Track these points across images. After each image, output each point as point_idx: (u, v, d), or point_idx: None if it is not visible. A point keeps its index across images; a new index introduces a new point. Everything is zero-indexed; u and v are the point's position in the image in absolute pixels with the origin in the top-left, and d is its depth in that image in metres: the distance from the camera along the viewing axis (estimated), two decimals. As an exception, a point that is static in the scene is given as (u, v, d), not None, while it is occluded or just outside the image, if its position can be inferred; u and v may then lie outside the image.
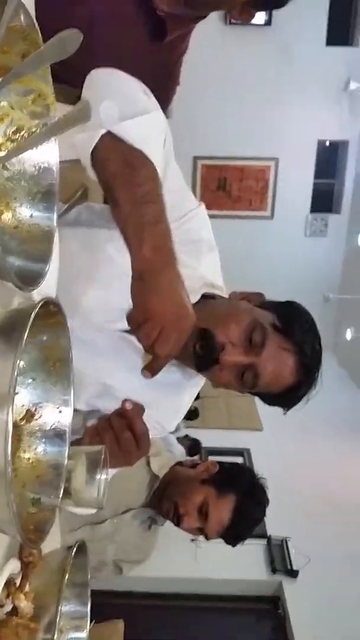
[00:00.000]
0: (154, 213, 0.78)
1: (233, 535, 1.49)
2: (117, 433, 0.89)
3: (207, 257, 1.08)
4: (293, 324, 0.98)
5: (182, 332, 0.79)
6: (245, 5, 1.20)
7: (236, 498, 1.46)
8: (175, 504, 1.45)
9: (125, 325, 1.02)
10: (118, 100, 0.82)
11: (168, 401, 1.12)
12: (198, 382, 1.16)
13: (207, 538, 1.52)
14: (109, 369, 1.04)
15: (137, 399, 0.93)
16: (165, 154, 0.89)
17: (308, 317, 1.03)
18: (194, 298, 1.01)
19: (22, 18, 0.49)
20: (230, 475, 1.54)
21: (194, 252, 1.04)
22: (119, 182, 0.79)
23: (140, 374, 1.01)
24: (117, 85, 0.88)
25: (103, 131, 0.78)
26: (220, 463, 1.58)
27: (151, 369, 0.83)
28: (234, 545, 1.55)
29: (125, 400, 0.90)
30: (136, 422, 0.89)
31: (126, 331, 1.04)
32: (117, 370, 1.04)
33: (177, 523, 1.46)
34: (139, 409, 0.90)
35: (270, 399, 1.05)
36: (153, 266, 0.76)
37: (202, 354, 0.95)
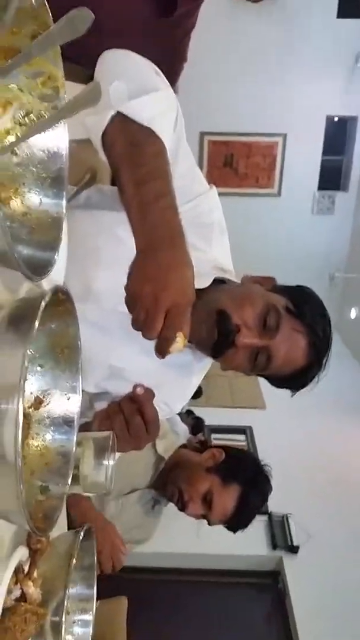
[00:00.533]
0: (156, 190, 0.76)
1: (235, 523, 1.51)
2: (127, 417, 0.89)
3: (218, 240, 1.08)
4: (305, 307, 0.99)
5: (183, 309, 0.75)
6: None
7: (240, 488, 1.47)
8: (180, 490, 1.46)
9: None
10: (128, 80, 0.80)
11: (177, 382, 1.13)
12: (206, 363, 1.16)
13: (209, 524, 1.53)
14: (119, 351, 1.04)
15: (146, 380, 0.94)
16: (177, 136, 0.88)
17: (319, 301, 1.05)
18: (206, 282, 1.01)
19: (32, -3, 0.47)
20: (235, 465, 1.55)
21: (205, 235, 1.03)
22: (124, 164, 0.78)
23: (148, 355, 1.01)
24: (128, 65, 0.87)
25: (112, 112, 0.77)
26: (226, 451, 1.58)
27: (159, 350, 0.80)
28: (235, 531, 1.57)
29: (136, 385, 0.89)
30: (147, 407, 0.89)
31: None
32: (127, 352, 1.04)
33: (182, 508, 1.47)
34: (150, 393, 0.90)
35: (279, 381, 1.06)
36: (151, 243, 0.74)
37: (219, 337, 0.95)
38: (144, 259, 0.74)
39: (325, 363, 1.03)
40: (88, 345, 0.95)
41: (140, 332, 1.01)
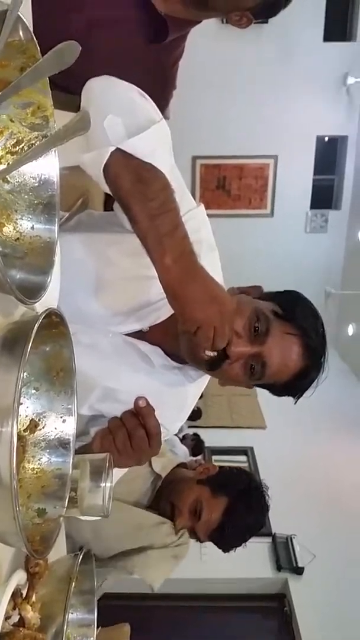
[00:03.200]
0: (170, 222, 0.81)
1: (223, 538, 1.48)
2: (130, 431, 0.90)
3: (207, 257, 1.08)
4: (294, 309, 1.00)
5: (229, 320, 0.85)
6: (245, 12, 1.20)
7: (228, 500, 1.45)
8: (172, 504, 1.45)
9: (127, 328, 1.02)
10: (121, 114, 0.83)
11: (171, 403, 1.13)
12: (201, 382, 1.16)
13: (199, 540, 1.50)
14: (113, 372, 1.04)
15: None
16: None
17: (308, 302, 1.05)
18: None
19: (20, 33, 0.49)
20: (226, 478, 1.53)
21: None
22: (134, 199, 0.81)
23: (141, 376, 1.01)
24: (116, 96, 0.89)
25: (112, 149, 0.79)
26: (221, 467, 1.57)
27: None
28: (225, 550, 1.53)
29: (139, 398, 0.90)
30: (149, 419, 0.90)
31: (128, 334, 1.04)
32: (121, 373, 1.04)
33: (173, 520, 1.45)
34: (151, 407, 0.90)
35: (280, 388, 1.05)
36: (179, 276, 0.80)
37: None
38: (181, 299, 0.81)
39: (323, 364, 1.02)
40: (81, 367, 0.96)
41: (133, 353, 1.01)
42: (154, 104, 0.92)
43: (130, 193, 0.81)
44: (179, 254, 0.80)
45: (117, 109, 0.84)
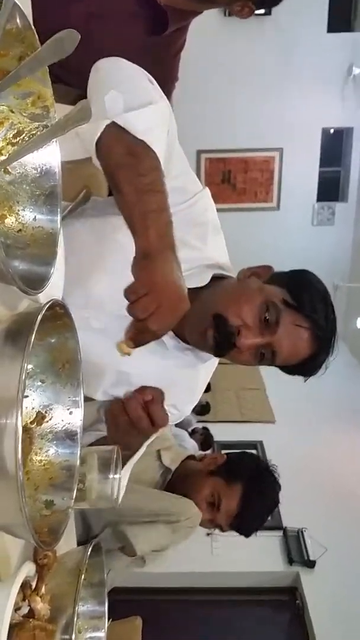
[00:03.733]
0: (158, 202, 0.80)
1: (244, 524, 1.48)
2: (132, 417, 0.91)
3: (213, 238, 1.08)
4: (304, 296, 0.99)
5: (177, 313, 0.82)
6: (247, 1, 1.19)
7: (243, 486, 1.45)
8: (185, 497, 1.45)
9: None
10: (123, 90, 0.83)
11: (184, 384, 1.14)
12: (212, 363, 1.17)
13: (222, 530, 1.51)
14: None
15: (153, 383, 0.94)
16: (169, 139, 0.90)
17: (319, 286, 1.04)
18: (203, 280, 1.03)
19: (18, 20, 0.49)
20: (236, 465, 1.53)
21: (200, 234, 1.05)
22: (123, 172, 0.81)
23: (154, 358, 1.01)
24: (122, 74, 0.89)
25: (107, 122, 0.80)
26: (227, 454, 1.57)
27: (136, 340, 0.84)
28: (247, 535, 1.54)
29: (147, 391, 0.93)
30: (156, 409, 0.92)
31: None
32: (133, 357, 1.05)
33: None
34: (159, 397, 0.92)
35: (290, 369, 1.06)
36: (158, 249, 0.79)
37: (219, 340, 0.96)
38: (151, 262, 0.79)
39: (333, 347, 1.02)
40: (94, 352, 0.98)
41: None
42: (160, 90, 0.92)
43: (120, 165, 0.81)
44: (162, 234, 0.80)
45: (120, 86, 0.84)
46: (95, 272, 1.01)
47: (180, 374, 1.09)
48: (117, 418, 0.92)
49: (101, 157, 0.82)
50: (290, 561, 3.38)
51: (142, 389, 0.97)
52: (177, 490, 1.47)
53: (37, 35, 0.52)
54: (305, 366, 1.03)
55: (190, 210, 1.02)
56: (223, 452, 1.70)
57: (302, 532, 3.51)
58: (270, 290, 1.00)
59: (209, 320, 0.95)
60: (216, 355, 1.03)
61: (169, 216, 0.81)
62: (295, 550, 3.44)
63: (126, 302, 0.96)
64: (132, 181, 0.80)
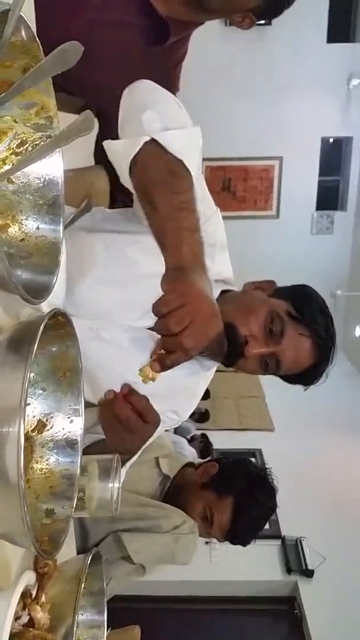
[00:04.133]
0: (192, 221, 0.81)
1: (238, 536, 1.48)
2: (121, 418, 0.91)
3: (220, 256, 1.12)
4: (306, 309, 1.04)
5: (212, 330, 0.79)
6: (248, 12, 1.20)
7: (234, 499, 1.45)
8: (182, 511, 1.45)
9: (147, 322, 1.04)
10: (159, 111, 0.85)
11: (186, 391, 1.16)
12: (212, 370, 1.19)
13: (218, 540, 1.51)
14: (133, 365, 1.06)
15: (158, 391, 0.95)
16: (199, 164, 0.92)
17: (319, 299, 1.09)
18: (214, 294, 1.04)
19: (23, 33, 0.49)
20: (228, 477, 1.53)
21: (209, 253, 1.07)
22: (160, 188, 0.82)
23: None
24: (157, 96, 0.92)
25: (146, 138, 0.81)
26: (219, 463, 1.56)
27: (163, 362, 0.80)
28: (244, 545, 1.54)
29: (126, 390, 0.93)
30: (133, 400, 0.91)
31: (151, 328, 1.06)
32: (140, 366, 1.06)
33: None
34: (143, 397, 0.92)
35: (291, 378, 1.11)
36: (192, 265, 0.78)
37: (230, 349, 1.00)
38: (185, 275, 0.78)
39: (332, 358, 1.07)
40: (102, 361, 0.99)
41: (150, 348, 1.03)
42: (187, 115, 0.95)
43: (157, 182, 0.82)
44: (196, 252, 0.79)
45: (156, 107, 0.86)
46: (107, 285, 1.02)
47: (183, 382, 1.10)
48: (109, 424, 0.93)
49: (136, 172, 0.83)
50: (289, 570, 3.37)
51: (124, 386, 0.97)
52: (173, 503, 1.47)
53: (41, 47, 0.53)
54: (307, 375, 1.07)
55: (204, 234, 1.04)
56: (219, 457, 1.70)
57: (300, 541, 3.49)
58: (274, 302, 1.05)
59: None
60: (225, 364, 1.05)
61: (201, 237, 0.81)
62: (294, 559, 3.42)
63: (137, 315, 0.98)
64: (168, 198, 0.80)
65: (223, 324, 0.95)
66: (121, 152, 0.84)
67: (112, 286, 1.03)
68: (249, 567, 3.27)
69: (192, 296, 0.76)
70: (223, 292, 1.11)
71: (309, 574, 3.32)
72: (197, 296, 0.76)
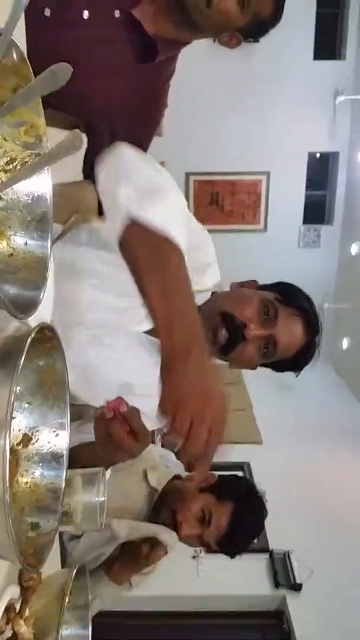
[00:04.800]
0: (182, 301, 0.83)
1: (232, 542, 1.48)
2: (114, 438, 0.90)
3: (210, 271, 1.19)
4: (292, 295, 1.16)
5: (217, 414, 0.78)
6: (235, 32, 1.23)
7: (234, 505, 1.46)
8: (174, 512, 1.44)
9: (145, 327, 1.06)
10: (134, 182, 0.85)
11: None
12: None
13: (209, 548, 1.50)
14: (131, 368, 1.09)
15: (154, 393, 0.96)
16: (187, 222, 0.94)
17: (299, 289, 1.21)
18: (204, 298, 1.13)
19: (13, 54, 0.51)
20: (228, 483, 1.54)
21: (201, 271, 1.13)
22: (147, 274, 0.84)
23: (156, 367, 1.04)
24: (128, 166, 0.92)
25: (126, 221, 0.82)
26: (219, 475, 1.57)
27: (190, 466, 0.81)
28: (232, 556, 1.54)
29: (119, 402, 0.92)
30: (134, 421, 0.90)
31: (147, 332, 1.08)
32: (138, 369, 1.08)
33: (176, 529, 1.44)
34: (135, 408, 0.92)
35: (283, 364, 1.17)
36: (181, 352, 0.80)
37: (230, 334, 1.06)
38: (182, 364, 0.79)
39: (320, 341, 1.17)
40: (102, 365, 1.03)
41: (151, 348, 1.05)
42: (168, 173, 0.97)
43: (144, 267, 0.83)
44: (186, 334, 0.80)
45: (130, 179, 0.87)
46: (107, 294, 1.05)
47: None
48: (102, 439, 0.93)
49: (125, 256, 0.86)
50: (277, 584, 3.35)
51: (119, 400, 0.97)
52: (165, 506, 1.46)
53: (31, 69, 0.54)
54: (298, 359, 1.15)
55: (197, 261, 1.09)
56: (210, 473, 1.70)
57: (288, 554, 3.48)
58: (263, 292, 1.14)
59: (218, 319, 1.05)
60: (227, 350, 1.09)
61: (194, 316, 0.83)
62: (282, 573, 3.41)
63: (136, 319, 1.01)
64: (156, 283, 0.82)
65: (220, 312, 1.04)
66: (108, 233, 0.87)
67: (112, 295, 1.06)
68: (237, 581, 3.25)
69: (183, 397, 0.76)
70: (213, 292, 1.18)
71: (297, 587, 3.31)
72: (189, 394, 0.77)
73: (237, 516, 1.45)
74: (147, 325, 1.07)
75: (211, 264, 1.20)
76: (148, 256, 0.83)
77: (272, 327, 1.09)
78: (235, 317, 1.07)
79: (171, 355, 0.80)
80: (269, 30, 1.28)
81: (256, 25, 1.24)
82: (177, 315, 0.81)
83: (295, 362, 1.17)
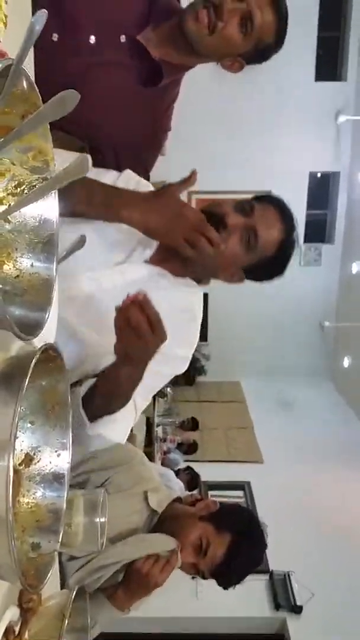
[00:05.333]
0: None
1: (226, 573, 1.46)
2: (133, 322, 0.94)
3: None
4: (267, 199, 1.25)
5: (195, 215, 1.11)
6: (237, 57, 1.26)
7: (232, 537, 1.44)
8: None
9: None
10: None
11: (184, 313, 1.25)
12: (201, 293, 1.30)
13: (203, 576, 1.49)
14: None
15: None
16: None
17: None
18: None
19: (23, 83, 0.52)
20: (229, 514, 1.52)
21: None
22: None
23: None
24: None
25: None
26: (221, 503, 1.56)
27: None
28: (226, 587, 1.52)
29: (138, 293, 0.96)
30: (149, 308, 0.94)
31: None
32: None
33: None
34: (148, 298, 0.97)
35: (265, 266, 1.23)
36: (140, 214, 1.10)
37: (212, 224, 1.13)
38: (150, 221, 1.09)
39: (297, 236, 1.24)
40: (103, 304, 1.10)
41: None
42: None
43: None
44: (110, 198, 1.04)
45: None
46: (101, 251, 1.15)
47: (179, 319, 1.16)
48: (121, 329, 0.96)
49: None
50: (277, 606, 3.31)
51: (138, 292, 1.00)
52: (164, 531, 1.45)
53: (40, 96, 0.56)
54: (277, 257, 1.21)
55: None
56: (211, 493, 1.69)
57: (288, 575, 3.44)
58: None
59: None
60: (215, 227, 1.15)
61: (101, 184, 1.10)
62: (282, 594, 3.37)
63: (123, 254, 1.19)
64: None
65: (204, 216, 1.13)
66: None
67: (105, 250, 1.16)
68: (236, 602, 3.21)
69: (173, 236, 1.10)
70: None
71: (297, 610, 3.26)
72: (173, 233, 1.09)
73: (234, 548, 1.43)
74: (139, 257, 1.19)
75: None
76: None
77: (250, 217, 1.17)
78: (216, 212, 1.17)
79: (144, 225, 1.09)
80: (271, 56, 1.31)
81: (259, 50, 1.27)
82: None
83: (277, 258, 1.22)
